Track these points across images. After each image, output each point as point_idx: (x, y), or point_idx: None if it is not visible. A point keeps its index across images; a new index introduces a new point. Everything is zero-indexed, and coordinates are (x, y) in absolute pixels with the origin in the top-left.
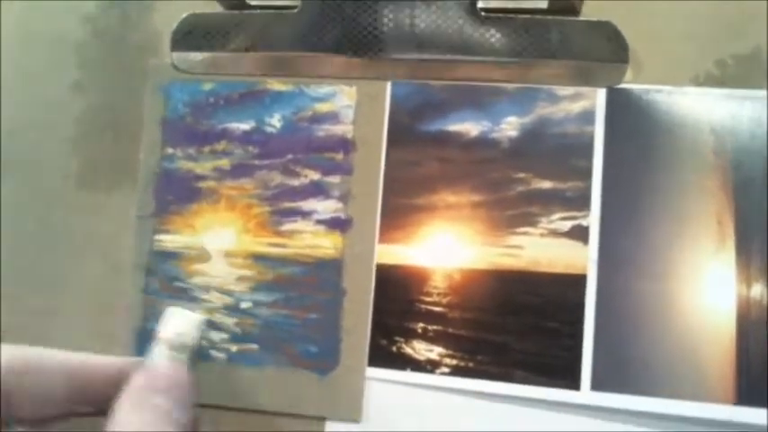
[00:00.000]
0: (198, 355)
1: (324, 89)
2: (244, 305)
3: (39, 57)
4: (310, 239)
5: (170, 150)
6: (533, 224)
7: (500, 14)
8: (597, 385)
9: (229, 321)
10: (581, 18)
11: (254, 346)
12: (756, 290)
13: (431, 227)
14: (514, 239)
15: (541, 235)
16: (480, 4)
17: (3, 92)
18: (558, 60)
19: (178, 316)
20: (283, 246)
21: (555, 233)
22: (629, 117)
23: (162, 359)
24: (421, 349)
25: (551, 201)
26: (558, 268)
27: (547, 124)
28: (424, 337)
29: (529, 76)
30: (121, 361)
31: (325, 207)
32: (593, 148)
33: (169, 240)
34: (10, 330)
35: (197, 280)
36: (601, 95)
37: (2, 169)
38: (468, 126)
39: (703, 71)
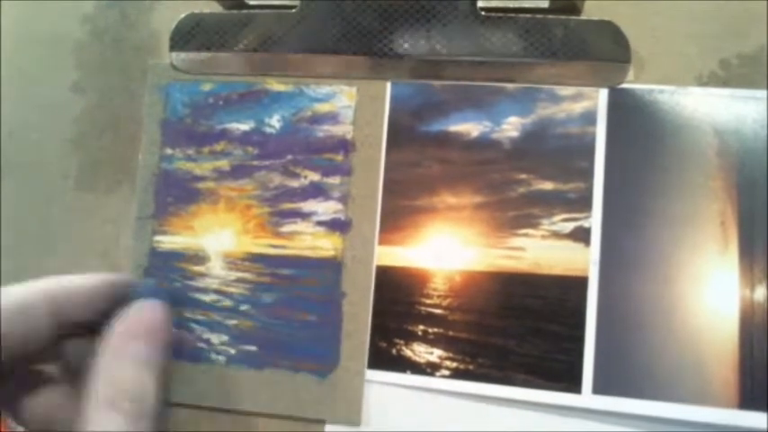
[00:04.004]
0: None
1: (323, 89)
2: (243, 307)
3: (37, 57)
4: (310, 241)
5: (169, 151)
6: (535, 226)
7: (500, 14)
8: (599, 389)
9: (229, 323)
10: (582, 17)
11: (254, 348)
12: (760, 292)
13: (431, 228)
14: (516, 241)
15: (543, 237)
16: (480, 4)
17: (2, 93)
18: (560, 60)
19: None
20: (283, 247)
21: (556, 235)
22: (631, 117)
23: (140, 304)
24: (421, 352)
25: (553, 202)
26: (560, 270)
27: (548, 125)
28: (424, 339)
29: (530, 76)
30: (100, 279)
31: (325, 208)
32: (594, 149)
33: (168, 242)
34: None
35: (196, 282)
36: (603, 95)
37: (1, 170)
38: (469, 126)
39: (707, 71)
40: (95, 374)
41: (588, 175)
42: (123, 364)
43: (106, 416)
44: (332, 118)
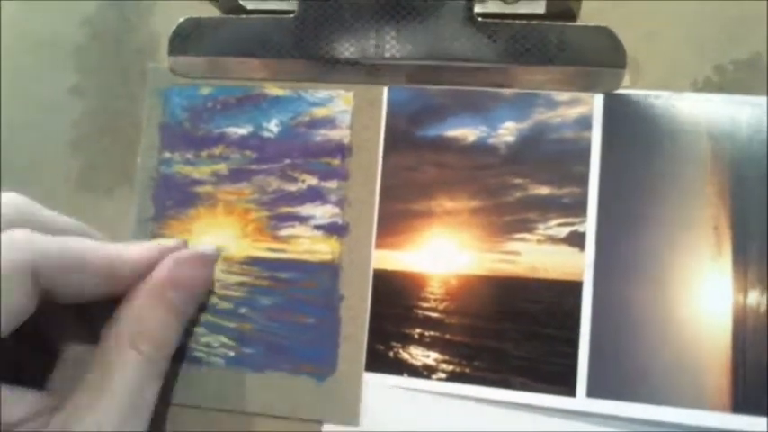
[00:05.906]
0: None
1: (321, 94)
2: (242, 310)
3: (36, 60)
4: (308, 244)
5: (168, 155)
6: (530, 230)
7: (497, 19)
8: (593, 392)
9: (228, 326)
10: (578, 23)
11: (252, 351)
12: (753, 297)
13: (428, 232)
14: (511, 245)
15: (538, 241)
16: (477, 9)
17: (0, 95)
18: (556, 66)
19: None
20: (281, 251)
21: (552, 239)
22: (626, 123)
23: (186, 252)
24: (418, 355)
25: (548, 207)
26: (555, 274)
27: (544, 130)
28: (421, 342)
29: (526, 82)
30: (155, 251)
31: (323, 212)
32: (590, 154)
33: None
34: None
35: None
36: (598, 101)
37: (0, 173)
38: (466, 131)
39: (702, 76)
40: (119, 316)
41: (583, 180)
42: (155, 307)
43: (126, 354)
44: (329, 122)
